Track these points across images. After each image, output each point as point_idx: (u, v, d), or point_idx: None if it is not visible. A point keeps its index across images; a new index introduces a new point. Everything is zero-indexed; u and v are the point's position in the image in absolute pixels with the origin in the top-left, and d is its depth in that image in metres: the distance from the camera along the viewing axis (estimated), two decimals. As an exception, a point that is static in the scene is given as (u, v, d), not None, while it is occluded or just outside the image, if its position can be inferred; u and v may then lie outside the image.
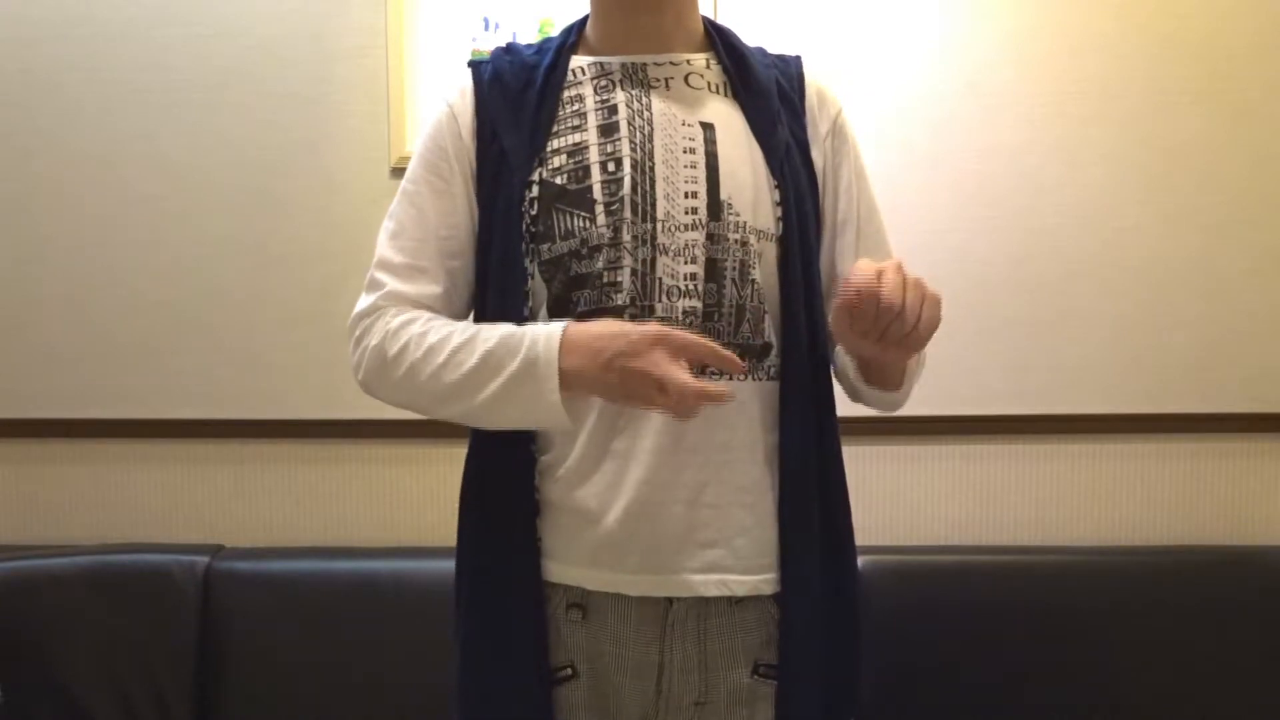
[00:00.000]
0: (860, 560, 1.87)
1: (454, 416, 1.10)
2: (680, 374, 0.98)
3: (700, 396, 0.97)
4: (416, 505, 2.13)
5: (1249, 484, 2.09)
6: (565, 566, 1.11)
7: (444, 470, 2.10)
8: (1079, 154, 2.06)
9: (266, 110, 2.09)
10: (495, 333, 1.07)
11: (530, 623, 1.11)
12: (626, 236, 1.09)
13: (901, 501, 2.11)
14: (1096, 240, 2.06)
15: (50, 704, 1.88)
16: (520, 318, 1.10)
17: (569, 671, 1.12)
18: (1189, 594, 1.92)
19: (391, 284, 1.14)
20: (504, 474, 1.13)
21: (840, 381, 1.26)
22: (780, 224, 1.14)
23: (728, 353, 1.00)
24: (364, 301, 1.15)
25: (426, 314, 1.13)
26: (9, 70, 2.10)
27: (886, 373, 1.16)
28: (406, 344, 1.10)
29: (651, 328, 1.01)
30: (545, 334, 1.03)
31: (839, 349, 1.23)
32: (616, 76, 1.17)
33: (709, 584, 1.10)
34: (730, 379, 1.11)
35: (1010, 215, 2.04)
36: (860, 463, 2.08)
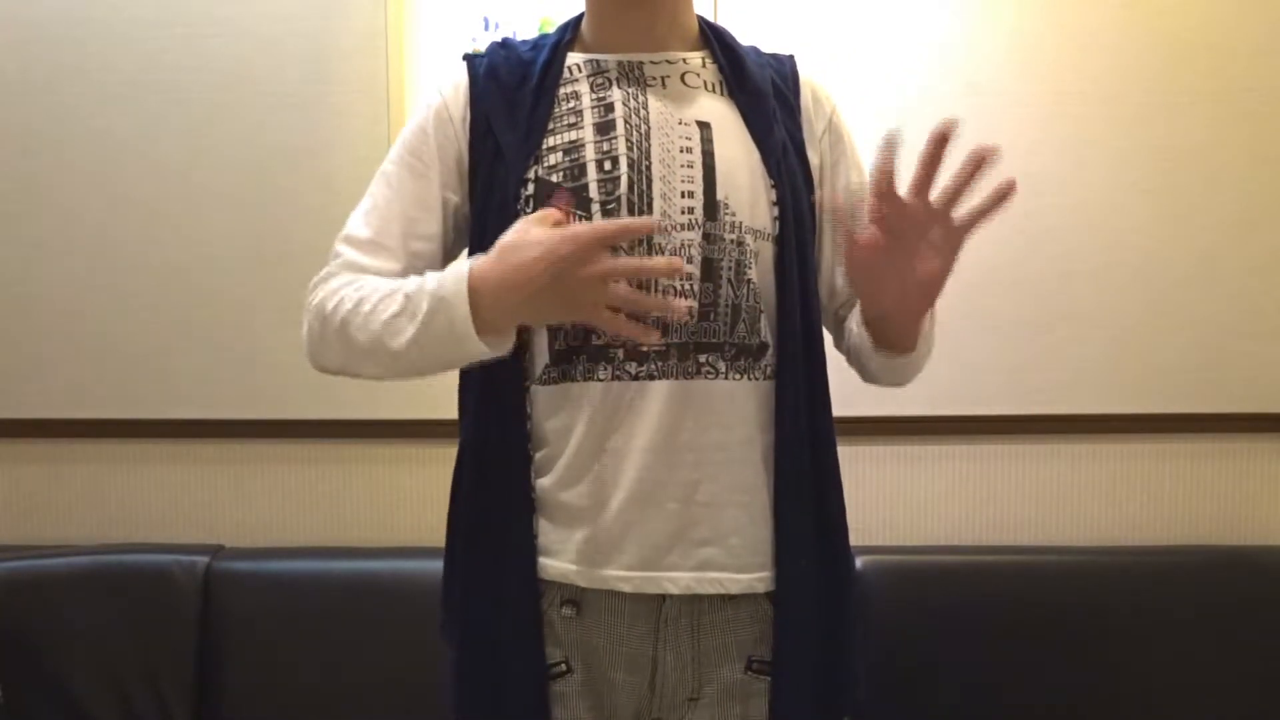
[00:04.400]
0: (860, 560, 1.90)
1: (384, 369, 1.07)
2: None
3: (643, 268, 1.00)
4: (416, 505, 2.13)
5: (1249, 484, 2.09)
6: (559, 563, 1.11)
7: (444, 470, 2.07)
8: (1080, 154, 2.05)
9: (266, 110, 2.09)
10: (418, 280, 1.05)
11: (526, 620, 1.10)
12: None
13: (901, 501, 2.11)
14: (1097, 240, 2.06)
15: (50, 704, 1.89)
16: None
17: (563, 667, 1.12)
18: (1189, 594, 1.92)
19: (348, 255, 1.14)
20: (498, 471, 1.13)
21: (851, 359, 1.25)
22: (777, 223, 1.14)
23: (638, 221, 1.01)
24: (321, 271, 1.15)
25: (372, 276, 1.11)
26: (8, 71, 2.10)
27: (900, 332, 1.15)
28: (342, 299, 1.08)
29: (567, 228, 0.98)
30: (453, 271, 1.02)
31: (850, 322, 1.22)
32: (613, 74, 1.17)
33: (703, 582, 1.10)
34: (727, 378, 1.11)
35: (1011, 215, 2.01)
36: (860, 463, 2.08)
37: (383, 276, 1.12)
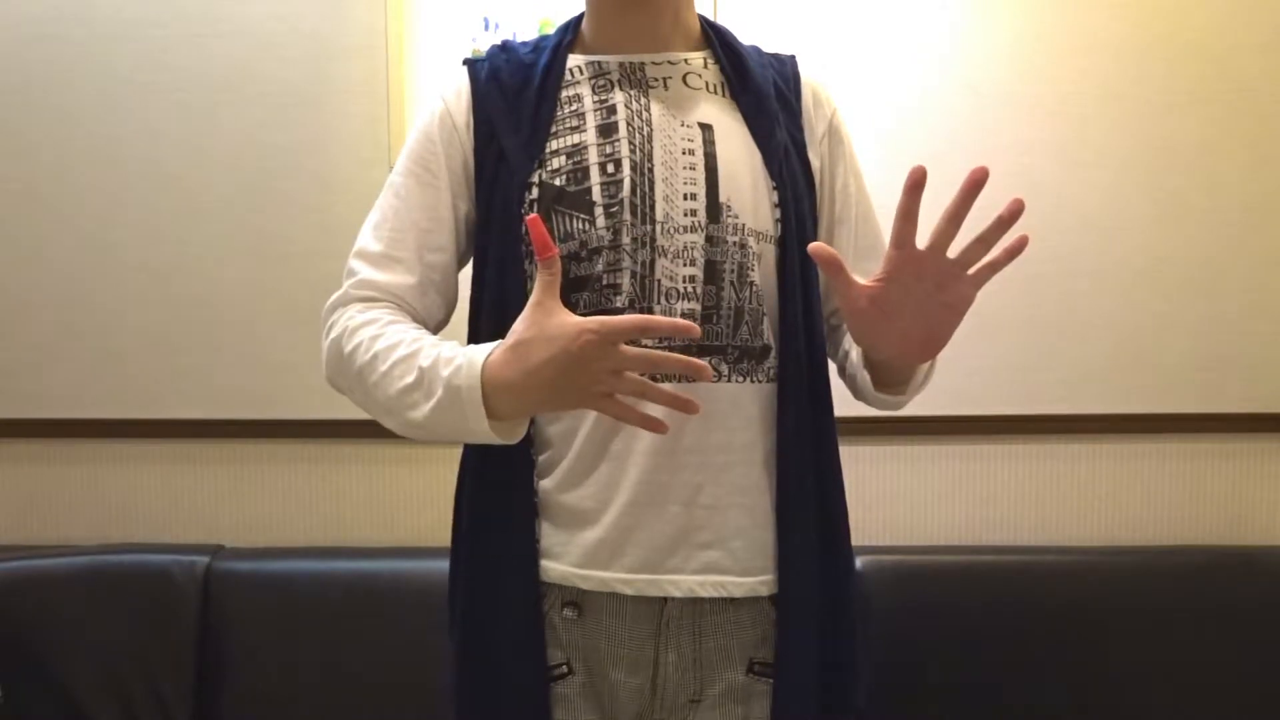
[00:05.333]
0: (860, 560, 1.90)
1: (399, 429, 1.07)
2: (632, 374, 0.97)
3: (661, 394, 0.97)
4: (416, 505, 2.13)
5: (1249, 484, 2.09)
6: (560, 566, 1.11)
7: (443, 470, 2.10)
8: (1079, 154, 2.05)
9: (266, 110, 2.09)
10: (434, 351, 1.04)
11: (528, 622, 1.10)
12: (626, 239, 1.09)
13: (901, 501, 2.11)
14: (1096, 240, 2.06)
15: (50, 704, 1.89)
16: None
17: (565, 669, 1.12)
18: (1189, 594, 1.92)
19: (364, 272, 1.14)
20: (501, 474, 1.13)
21: (844, 380, 1.26)
22: (779, 225, 1.14)
23: (672, 320, 0.96)
24: (337, 292, 1.15)
25: (388, 314, 1.11)
26: (9, 70, 2.10)
27: (900, 375, 1.16)
28: (359, 345, 1.08)
29: (583, 326, 0.95)
30: (467, 361, 1.00)
31: (849, 347, 1.23)
32: (614, 76, 1.16)
33: (705, 585, 1.10)
34: (730, 381, 1.11)
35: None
36: (860, 463, 2.09)
37: (398, 294, 1.13)
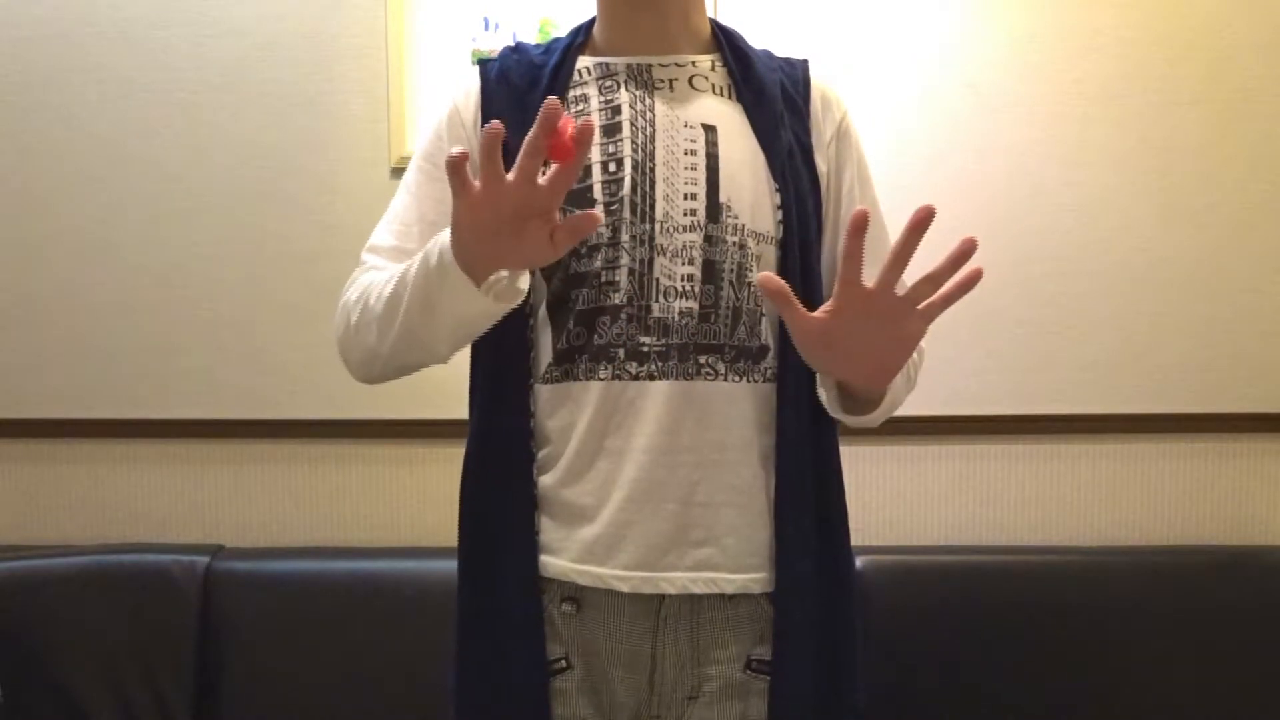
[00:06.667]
0: (860, 560, 1.90)
1: (398, 346, 1.07)
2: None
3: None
4: (416, 505, 2.13)
5: (1249, 484, 2.09)
6: (559, 561, 1.12)
7: (444, 470, 2.10)
8: (1079, 154, 2.06)
9: (266, 110, 2.09)
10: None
11: (528, 616, 1.11)
12: (625, 236, 1.10)
13: (901, 501, 2.11)
14: (1097, 240, 2.06)
15: (50, 704, 1.88)
16: (520, 315, 1.10)
17: (563, 664, 1.13)
18: (1189, 594, 1.92)
19: (372, 262, 1.17)
20: (502, 468, 1.14)
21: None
22: (780, 227, 1.14)
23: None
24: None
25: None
26: (9, 70, 2.10)
27: (857, 400, 1.14)
28: (359, 291, 1.12)
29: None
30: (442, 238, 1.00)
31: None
32: (621, 77, 1.17)
33: (698, 582, 1.11)
34: (727, 380, 1.11)
35: (1010, 215, 2.04)
36: (860, 463, 2.09)
37: None
